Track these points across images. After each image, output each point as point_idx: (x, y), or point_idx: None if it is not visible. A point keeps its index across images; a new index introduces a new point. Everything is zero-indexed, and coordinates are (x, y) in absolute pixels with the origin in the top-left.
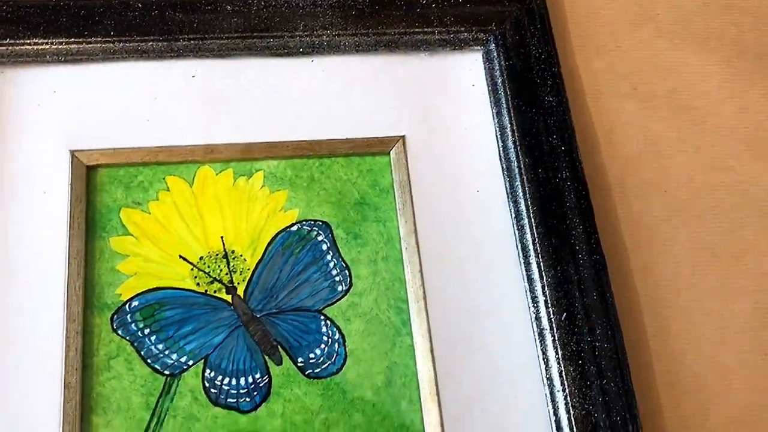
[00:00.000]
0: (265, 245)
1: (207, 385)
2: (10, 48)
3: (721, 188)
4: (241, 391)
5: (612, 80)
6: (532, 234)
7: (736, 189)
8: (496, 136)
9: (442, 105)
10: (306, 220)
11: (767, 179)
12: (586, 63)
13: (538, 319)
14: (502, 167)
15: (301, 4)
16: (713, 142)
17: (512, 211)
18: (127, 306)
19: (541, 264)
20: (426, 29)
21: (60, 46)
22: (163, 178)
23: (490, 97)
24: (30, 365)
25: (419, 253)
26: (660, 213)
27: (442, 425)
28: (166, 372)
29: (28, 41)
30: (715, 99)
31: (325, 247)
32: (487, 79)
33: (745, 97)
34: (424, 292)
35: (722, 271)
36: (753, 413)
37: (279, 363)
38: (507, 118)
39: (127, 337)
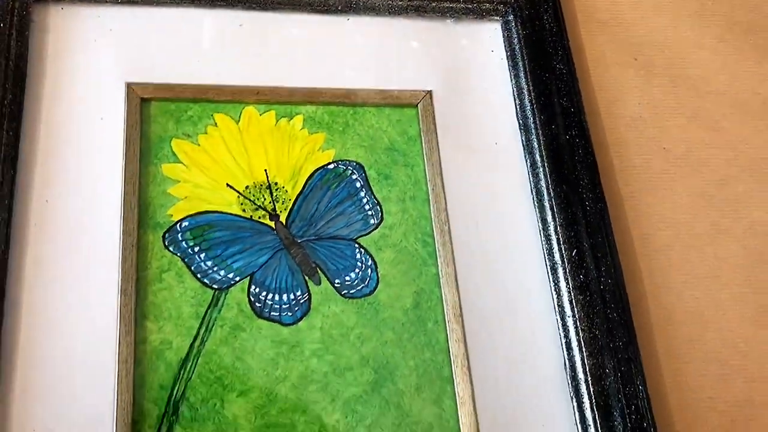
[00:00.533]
0: (305, 179)
1: (252, 299)
2: None
3: (714, 145)
4: (284, 306)
5: (614, 52)
6: (546, 181)
7: (727, 146)
8: (514, 95)
9: (464, 66)
10: (342, 160)
11: (755, 138)
12: (591, 36)
13: (550, 254)
14: (519, 123)
15: None
16: (707, 106)
17: (528, 161)
18: (178, 225)
19: (554, 207)
20: None
21: None
22: (212, 115)
23: (508, 62)
24: (90, 273)
25: (444, 194)
26: (660, 166)
27: (465, 342)
28: (215, 286)
29: None
30: (709, 69)
31: (359, 184)
32: (505, 46)
33: (735, 67)
34: (449, 228)
35: (716, 217)
36: (742, 340)
37: (318, 283)
38: (524, 80)
39: (178, 254)
